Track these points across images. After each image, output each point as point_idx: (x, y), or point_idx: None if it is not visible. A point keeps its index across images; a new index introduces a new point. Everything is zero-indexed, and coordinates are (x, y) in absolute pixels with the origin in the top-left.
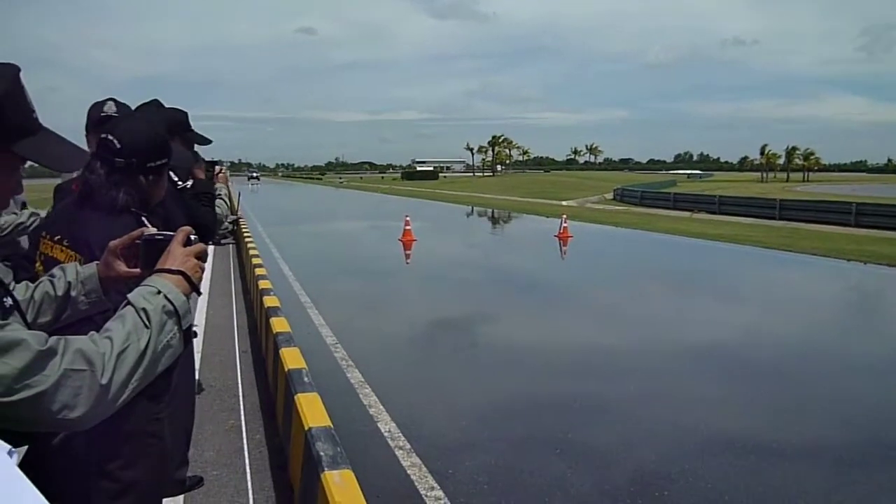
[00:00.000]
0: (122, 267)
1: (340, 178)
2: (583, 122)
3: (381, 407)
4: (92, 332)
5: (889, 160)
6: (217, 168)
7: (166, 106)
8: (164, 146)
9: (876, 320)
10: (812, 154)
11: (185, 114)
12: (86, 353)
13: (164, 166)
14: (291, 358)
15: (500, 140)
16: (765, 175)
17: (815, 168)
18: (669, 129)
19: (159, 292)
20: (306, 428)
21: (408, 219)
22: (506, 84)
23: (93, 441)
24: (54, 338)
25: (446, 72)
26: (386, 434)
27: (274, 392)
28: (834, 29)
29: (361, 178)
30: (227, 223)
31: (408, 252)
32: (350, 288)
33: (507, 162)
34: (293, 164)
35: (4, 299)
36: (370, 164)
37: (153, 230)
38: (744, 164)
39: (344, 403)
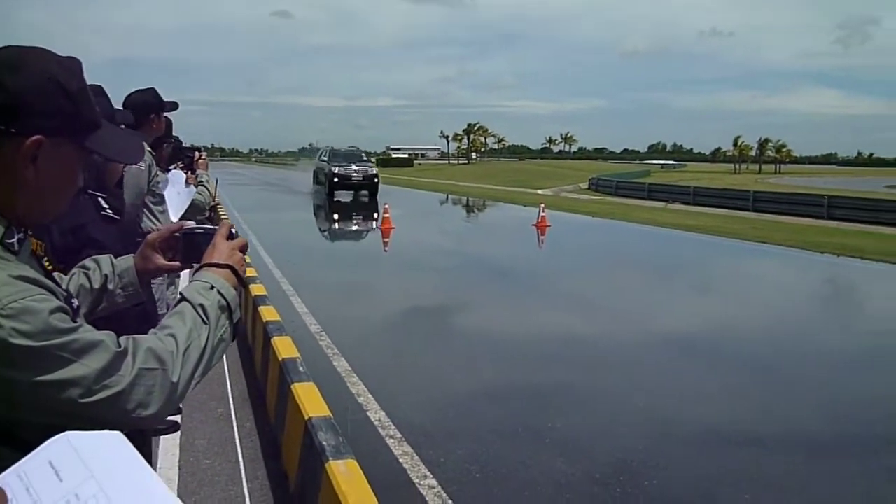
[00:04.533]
0: (160, 260)
1: None
2: (558, 111)
3: (370, 396)
4: (154, 330)
5: (859, 153)
6: (197, 154)
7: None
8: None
9: (850, 312)
10: (784, 146)
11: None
12: (157, 352)
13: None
14: (284, 347)
15: (476, 128)
16: (737, 166)
17: (787, 160)
18: (644, 119)
19: (212, 287)
20: (306, 418)
21: (387, 206)
22: (482, 71)
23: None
24: (123, 337)
25: (422, 58)
26: (376, 423)
27: (263, 381)
28: (811, 22)
29: None
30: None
31: (386, 240)
32: (331, 276)
33: (482, 150)
34: (267, 150)
35: (72, 300)
36: None
37: (192, 223)
38: (717, 155)
39: (332, 392)
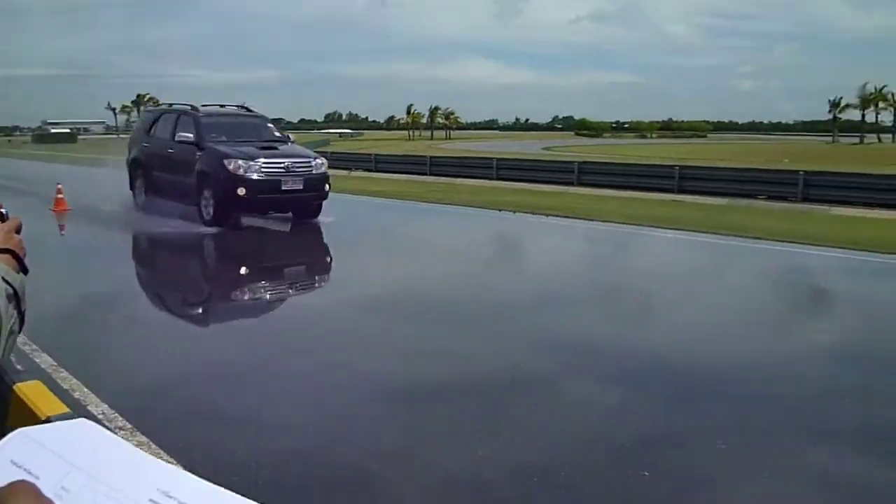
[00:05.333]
0: None
1: None
2: (233, 81)
3: (86, 389)
4: None
5: (517, 119)
6: None
7: None
8: None
9: (532, 261)
10: (452, 113)
11: None
12: None
13: None
14: None
15: (146, 99)
16: (411, 133)
17: (455, 126)
18: (319, 89)
19: None
20: (43, 418)
21: (60, 187)
22: (151, 39)
23: None
24: None
25: (83, 23)
26: (101, 416)
27: None
28: None
29: None
30: None
31: (62, 223)
32: None
33: None
34: None
35: None
36: None
37: None
38: (391, 124)
39: None
